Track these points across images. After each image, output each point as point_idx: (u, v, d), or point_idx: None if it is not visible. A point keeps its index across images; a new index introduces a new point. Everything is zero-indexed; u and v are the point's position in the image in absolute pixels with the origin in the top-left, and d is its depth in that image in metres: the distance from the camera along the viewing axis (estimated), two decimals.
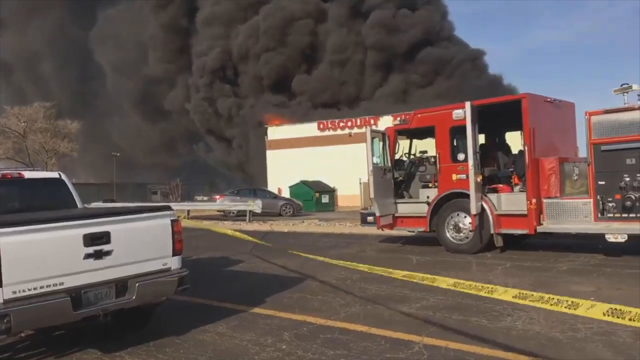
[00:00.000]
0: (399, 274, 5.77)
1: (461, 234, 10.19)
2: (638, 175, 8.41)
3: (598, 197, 8.80)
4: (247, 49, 49.15)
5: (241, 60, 50.13)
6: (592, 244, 9.86)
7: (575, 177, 9.89)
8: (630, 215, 8.47)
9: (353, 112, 41.86)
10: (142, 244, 4.97)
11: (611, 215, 8.68)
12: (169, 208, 5.42)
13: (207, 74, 50.81)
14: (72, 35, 65.93)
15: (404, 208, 11.32)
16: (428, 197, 10.84)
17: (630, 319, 3.49)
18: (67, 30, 66.09)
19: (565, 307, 3.88)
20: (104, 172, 58.47)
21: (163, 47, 56.93)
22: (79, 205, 6.60)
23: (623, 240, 8.46)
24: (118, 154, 54.18)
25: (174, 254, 5.18)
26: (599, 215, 8.80)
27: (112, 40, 61.94)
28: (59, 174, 6.79)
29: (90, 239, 4.53)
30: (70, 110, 52.64)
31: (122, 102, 64.82)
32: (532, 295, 4.20)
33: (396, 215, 11.33)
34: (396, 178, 11.65)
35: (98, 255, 4.56)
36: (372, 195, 10.86)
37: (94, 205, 21.63)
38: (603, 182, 8.75)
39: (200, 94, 51.48)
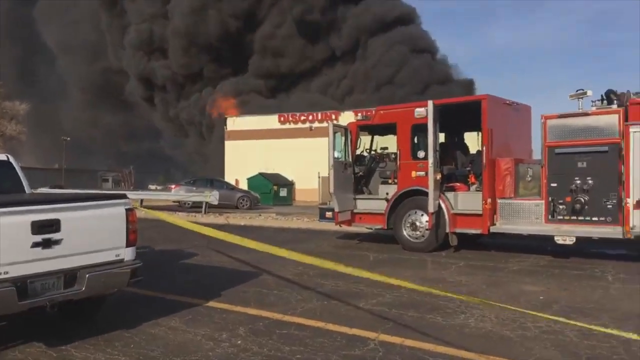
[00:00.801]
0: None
1: (418, 232, 10.32)
2: (588, 178, 8.71)
3: (550, 199, 9.07)
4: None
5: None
6: (541, 245, 10.20)
7: (529, 179, 10.15)
8: (579, 217, 8.77)
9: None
10: (94, 234, 4.78)
11: (561, 217, 8.97)
12: (124, 196, 5.23)
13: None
14: (18, 12, 63.14)
15: (363, 204, 11.37)
16: (387, 193, 10.92)
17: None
18: (11, 5, 63.10)
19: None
20: (52, 157, 56.41)
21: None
22: (27, 190, 6.29)
23: (571, 242, 8.78)
24: (68, 139, 52.31)
25: (127, 245, 5.00)
26: (550, 217, 9.08)
27: (59, 18, 59.50)
28: (7, 157, 6.44)
29: (39, 227, 4.31)
30: (17, 92, 50.40)
31: (72, 86, 62.61)
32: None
33: (355, 211, 11.36)
34: (356, 173, 11.68)
35: (47, 244, 4.35)
36: (331, 190, 10.85)
37: (40, 190, 20.74)
38: (555, 184, 9.03)
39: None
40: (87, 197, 5.37)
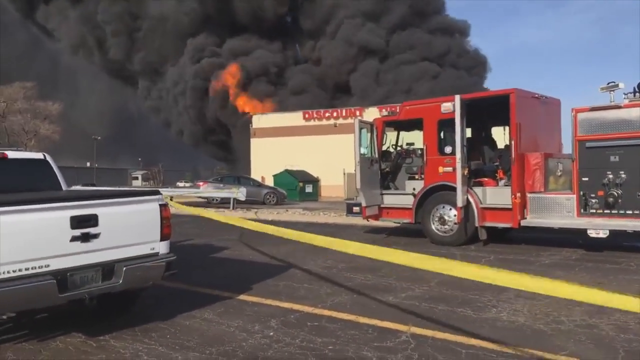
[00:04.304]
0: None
1: (446, 226, 10.28)
2: (621, 172, 8.55)
3: (581, 193, 8.93)
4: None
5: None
6: (573, 238, 10.04)
7: (559, 173, 10.03)
8: (612, 211, 8.62)
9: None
10: (130, 228, 4.90)
11: (593, 211, 8.82)
12: (157, 192, 5.35)
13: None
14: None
15: (390, 199, 11.37)
16: (414, 189, 10.90)
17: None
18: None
19: None
20: (83, 156, 57.65)
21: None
22: (64, 187, 6.47)
23: (605, 236, 8.62)
24: (99, 137, 53.45)
25: (162, 239, 5.12)
26: (582, 210, 8.94)
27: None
28: (44, 155, 6.64)
29: (77, 222, 4.44)
30: (50, 91, 51.75)
31: (98, 83, 63.98)
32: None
33: (382, 206, 11.37)
34: (383, 169, 11.68)
35: (85, 238, 4.48)
36: (358, 186, 10.88)
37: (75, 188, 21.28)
38: (587, 179, 8.88)
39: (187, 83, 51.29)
40: (123, 193, 5.49)
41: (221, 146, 53.25)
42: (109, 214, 4.70)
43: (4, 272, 4.03)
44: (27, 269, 4.14)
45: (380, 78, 46.42)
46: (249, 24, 51.14)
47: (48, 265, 4.27)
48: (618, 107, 8.75)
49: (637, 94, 8.71)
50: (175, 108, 54.33)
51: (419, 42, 46.27)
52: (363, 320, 5.17)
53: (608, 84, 8.98)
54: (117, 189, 9.29)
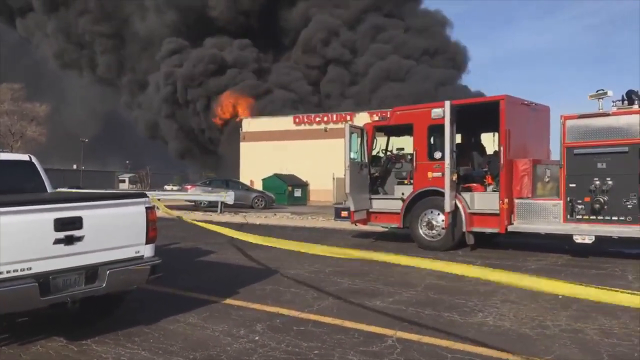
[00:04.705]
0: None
1: (434, 231, 10.29)
2: (608, 179, 8.62)
3: (568, 199, 8.99)
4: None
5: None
6: (559, 244, 10.09)
7: (547, 179, 10.08)
8: (599, 217, 8.69)
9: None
10: (115, 231, 4.84)
11: (580, 217, 8.89)
12: (144, 195, 5.29)
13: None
14: None
15: (379, 204, 11.38)
16: (403, 193, 10.92)
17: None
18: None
19: None
20: (70, 158, 57.15)
21: None
22: (49, 189, 6.39)
23: (590, 241, 8.69)
24: (86, 140, 53.02)
25: (147, 242, 5.06)
26: (568, 216, 9.00)
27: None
28: (29, 157, 6.55)
29: (61, 224, 4.38)
30: (37, 93, 51.25)
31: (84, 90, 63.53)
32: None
33: (370, 210, 11.37)
34: (372, 174, 11.70)
35: (69, 240, 4.41)
36: (347, 190, 10.87)
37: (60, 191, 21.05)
38: (574, 185, 8.94)
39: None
40: (108, 195, 5.44)
41: (207, 152, 52.80)
42: (93, 216, 4.64)
43: None
44: (8, 272, 4.07)
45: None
46: (229, 30, 50.91)
47: (30, 268, 4.20)
48: (606, 114, 8.83)
49: (626, 102, 8.80)
50: (160, 119, 53.72)
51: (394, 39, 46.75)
52: (349, 324, 5.15)
53: (597, 91, 9.06)
54: (102, 191, 9.25)
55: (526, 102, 10.54)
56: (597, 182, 8.71)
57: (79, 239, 4.49)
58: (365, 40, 47.19)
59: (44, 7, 57.97)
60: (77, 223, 4.48)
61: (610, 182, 8.60)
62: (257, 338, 4.76)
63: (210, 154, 51.13)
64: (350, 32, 48.18)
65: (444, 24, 52.27)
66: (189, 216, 16.71)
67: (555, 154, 10.61)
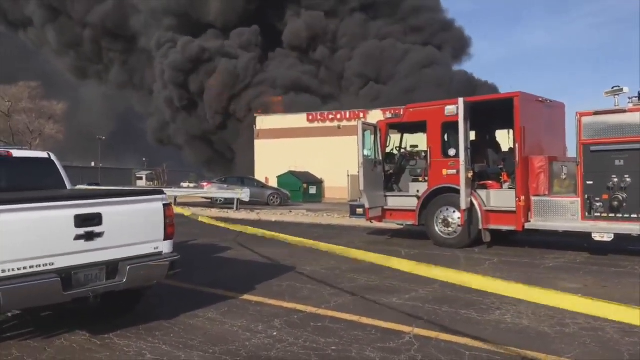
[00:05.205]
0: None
1: (450, 229, 10.26)
2: (626, 176, 8.52)
3: (586, 196, 8.89)
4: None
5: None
6: (577, 242, 9.99)
7: (564, 176, 9.99)
8: (617, 215, 8.58)
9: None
10: (133, 227, 4.92)
11: (598, 214, 8.79)
12: (161, 192, 5.36)
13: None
14: None
15: (394, 201, 11.36)
16: (418, 191, 10.89)
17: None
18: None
19: None
20: (87, 156, 57.75)
21: None
22: (68, 186, 6.49)
23: (609, 239, 8.59)
24: (103, 138, 53.54)
25: (165, 238, 5.13)
26: (586, 214, 8.90)
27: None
28: (48, 154, 6.66)
29: (82, 220, 4.46)
30: (55, 91, 51.74)
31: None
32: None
33: (385, 208, 11.36)
34: (386, 171, 11.68)
35: (89, 236, 4.50)
36: (361, 188, 10.86)
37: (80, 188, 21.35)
38: (591, 182, 8.84)
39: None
40: (127, 192, 5.51)
41: (218, 151, 52.71)
42: (113, 213, 4.71)
43: (9, 270, 4.05)
44: (31, 267, 4.16)
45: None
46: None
47: (52, 264, 4.29)
48: (622, 111, 8.72)
49: None
50: (170, 126, 53.75)
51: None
52: (366, 321, 5.17)
53: (613, 88, 8.95)
54: (120, 188, 9.35)
55: (541, 99, 10.44)
56: (615, 180, 8.60)
57: (99, 235, 4.57)
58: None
59: (42, 20, 58.20)
60: (96, 219, 4.56)
61: (628, 179, 8.49)
62: (275, 333, 4.80)
63: (224, 157, 51.14)
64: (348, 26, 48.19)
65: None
66: (204, 213, 16.84)
67: (572, 151, 10.52)
